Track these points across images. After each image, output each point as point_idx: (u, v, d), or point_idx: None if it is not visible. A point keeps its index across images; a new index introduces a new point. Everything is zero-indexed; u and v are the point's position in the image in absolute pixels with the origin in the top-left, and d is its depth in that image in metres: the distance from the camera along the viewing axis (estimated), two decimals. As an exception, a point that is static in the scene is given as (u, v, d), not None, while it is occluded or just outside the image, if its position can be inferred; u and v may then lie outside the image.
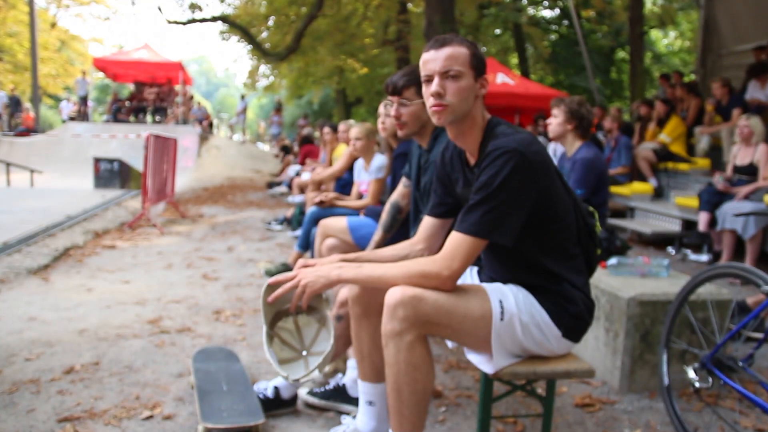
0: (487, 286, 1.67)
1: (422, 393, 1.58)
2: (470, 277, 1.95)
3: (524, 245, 1.63)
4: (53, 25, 28.91)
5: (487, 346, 1.62)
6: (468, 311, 1.58)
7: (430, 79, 1.63)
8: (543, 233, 1.64)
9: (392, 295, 1.54)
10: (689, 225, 5.70)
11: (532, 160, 1.54)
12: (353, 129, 4.16)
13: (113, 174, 9.39)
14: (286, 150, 13.90)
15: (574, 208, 1.71)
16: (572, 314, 1.67)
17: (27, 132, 17.08)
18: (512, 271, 1.71)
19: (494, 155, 1.54)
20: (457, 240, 1.57)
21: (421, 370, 1.56)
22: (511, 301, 1.62)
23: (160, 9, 15.38)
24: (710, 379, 2.09)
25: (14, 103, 19.01)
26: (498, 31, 20.68)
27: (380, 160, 3.98)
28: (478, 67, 1.64)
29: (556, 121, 3.30)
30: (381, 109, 3.04)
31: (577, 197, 1.78)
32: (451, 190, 1.83)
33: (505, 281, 1.72)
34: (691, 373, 2.13)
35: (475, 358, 1.70)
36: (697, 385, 2.10)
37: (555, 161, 2.01)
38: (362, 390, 1.94)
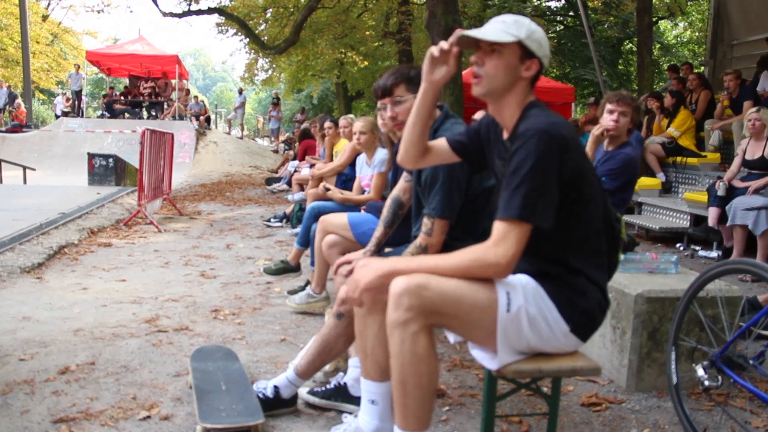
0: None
1: (427, 386, 1.56)
2: None
3: (550, 232, 1.59)
4: (45, 17, 28.67)
5: (492, 340, 1.58)
6: (476, 301, 1.55)
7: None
8: (570, 219, 1.61)
9: (397, 284, 1.52)
10: (698, 220, 5.61)
11: (561, 141, 1.54)
12: (357, 123, 4.12)
13: (108, 170, 9.29)
14: (288, 145, 13.84)
15: (602, 200, 1.69)
16: (582, 310, 1.62)
17: (19, 128, 16.92)
18: (530, 258, 1.66)
19: (526, 136, 1.54)
20: (504, 227, 1.53)
21: (425, 361, 1.54)
22: (519, 292, 1.59)
23: (154, 1, 15.15)
24: (720, 378, 2.05)
25: (11, 99, 18.89)
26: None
27: (383, 153, 3.93)
28: (527, 48, 1.63)
29: (624, 119, 3.18)
30: (379, 104, 3.00)
31: (605, 193, 1.75)
32: (478, 147, 1.87)
33: (517, 270, 1.66)
34: (701, 372, 2.09)
35: (479, 354, 1.67)
36: (706, 383, 2.06)
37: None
38: (365, 388, 1.90)
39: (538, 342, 1.61)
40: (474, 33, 1.63)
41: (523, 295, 1.59)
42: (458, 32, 1.65)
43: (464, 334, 1.64)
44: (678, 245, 5.54)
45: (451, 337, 1.81)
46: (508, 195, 1.54)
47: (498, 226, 1.54)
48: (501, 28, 1.63)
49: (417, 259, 1.66)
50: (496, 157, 1.78)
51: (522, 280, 1.63)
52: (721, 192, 4.90)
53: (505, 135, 1.72)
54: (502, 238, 1.53)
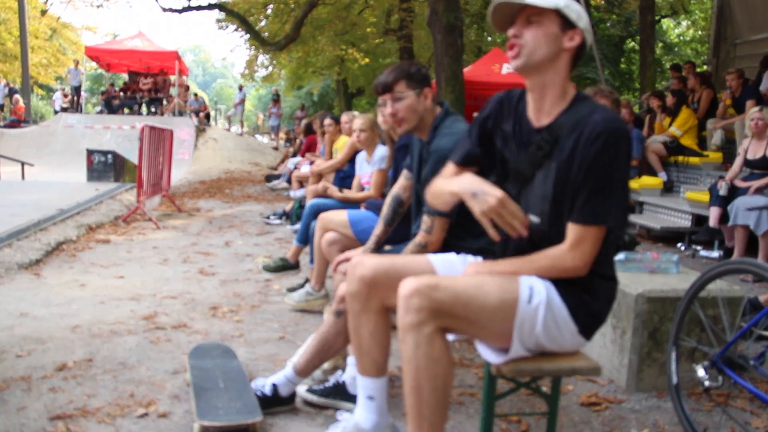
0: None
1: (443, 390, 1.51)
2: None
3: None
4: (44, 12, 28.50)
5: (502, 338, 1.56)
6: (486, 299, 1.52)
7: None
8: None
9: (406, 286, 1.50)
10: (700, 220, 5.59)
11: (628, 140, 1.53)
12: (356, 120, 4.09)
13: (107, 166, 9.27)
14: (289, 141, 13.83)
15: None
16: (592, 312, 1.61)
17: (18, 123, 16.87)
18: None
19: (598, 133, 1.48)
20: (582, 231, 1.52)
21: (441, 364, 1.49)
22: (542, 289, 1.57)
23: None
24: (720, 378, 2.04)
25: (10, 94, 18.84)
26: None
27: (383, 150, 3.91)
28: (567, 17, 1.56)
29: None
30: (380, 100, 2.98)
31: None
32: (491, 151, 1.73)
33: None
34: (701, 372, 2.08)
35: (485, 350, 1.65)
36: (706, 384, 2.05)
37: None
38: (362, 385, 1.89)
39: (546, 340, 1.59)
40: None
41: (546, 292, 1.57)
42: (498, 1, 1.56)
43: (472, 333, 1.61)
44: (679, 245, 5.52)
45: (451, 336, 1.80)
46: (584, 198, 1.50)
47: (575, 230, 1.52)
48: None
49: (500, 265, 1.62)
50: (516, 146, 1.66)
51: (537, 278, 1.61)
52: (722, 192, 4.88)
53: (540, 121, 1.62)
54: (580, 242, 1.52)
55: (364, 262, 1.81)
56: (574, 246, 1.52)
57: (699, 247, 5.24)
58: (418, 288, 1.48)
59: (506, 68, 10.54)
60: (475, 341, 1.69)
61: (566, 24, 1.56)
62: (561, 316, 1.58)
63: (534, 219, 1.60)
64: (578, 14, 1.57)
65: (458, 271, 1.87)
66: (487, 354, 1.64)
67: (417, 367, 1.49)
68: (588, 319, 1.61)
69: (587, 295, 1.60)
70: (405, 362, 1.51)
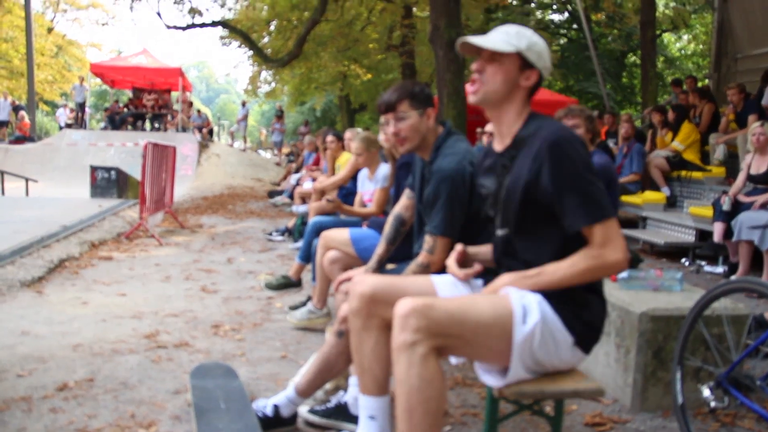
0: (511, 290, 1.63)
1: (435, 413, 1.51)
2: (478, 290, 1.88)
3: (558, 245, 1.62)
4: (50, 29, 28.92)
5: (501, 356, 1.57)
6: (480, 318, 1.54)
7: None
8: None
9: (403, 305, 1.51)
10: (704, 236, 5.55)
11: (577, 140, 1.61)
12: (353, 144, 4.10)
13: (110, 183, 9.30)
14: (292, 157, 13.86)
15: None
16: (585, 321, 1.63)
17: (23, 140, 17.00)
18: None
19: (549, 145, 1.57)
20: (602, 228, 1.56)
21: (434, 385, 1.50)
22: (533, 306, 1.58)
23: (159, 14, 15.30)
24: (726, 398, 2.01)
25: (16, 111, 18.97)
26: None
27: (386, 168, 3.91)
28: (526, 59, 1.67)
29: (578, 131, 3.22)
30: (382, 119, 2.99)
31: None
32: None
33: None
34: (706, 392, 2.05)
35: (484, 374, 1.65)
36: (712, 404, 2.02)
37: None
38: (363, 404, 1.87)
39: (544, 356, 1.59)
40: (475, 40, 1.67)
41: (538, 308, 1.58)
42: (461, 39, 1.69)
43: (469, 353, 1.62)
44: (683, 260, 5.49)
45: (453, 359, 1.79)
46: (581, 200, 1.55)
47: (597, 230, 1.55)
48: (503, 38, 1.67)
49: (544, 276, 1.61)
50: (486, 175, 1.79)
51: (530, 293, 1.62)
52: (726, 207, 4.86)
53: (502, 144, 1.74)
54: (607, 238, 1.55)
55: (365, 279, 1.84)
56: (603, 243, 1.55)
57: (703, 263, 5.21)
58: (415, 307, 1.50)
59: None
60: (474, 364, 1.69)
61: (526, 65, 1.67)
62: (556, 328, 1.60)
63: (506, 232, 1.70)
64: (539, 55, 1.68)
65: (462, 292, 1.88)
66: (487, 378, 1.63)
67: (410, 388, 1.49)
68: (582, 329, 1.63)
69: (579, 308, 1.62)
70: (398, 383, 1.51)
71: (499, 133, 1.75)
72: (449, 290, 1.89)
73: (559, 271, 1.59)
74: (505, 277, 1.69)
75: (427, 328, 1.49)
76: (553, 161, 1.56)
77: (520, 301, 1.58)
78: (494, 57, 1.67)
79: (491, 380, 1.62)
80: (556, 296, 1.61)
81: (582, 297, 1.63)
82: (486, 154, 1.83)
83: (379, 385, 1.84)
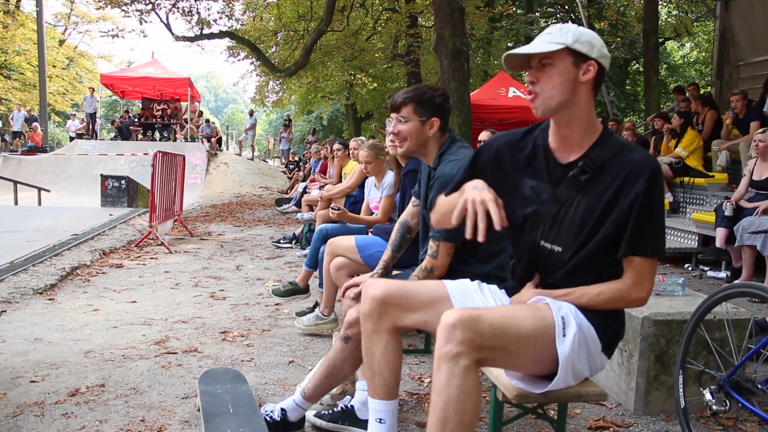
0: (549, 301, 1.63)
1: (468, 426, 1.49)
2: (491, 296, 1.89)
3: (609, 259, 1.62)
4: (62, 42, 29.31)
5: (539, 366, 1.59)
6: (521, 329, 1.54)
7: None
8: (615, 245, 1.63)
9: (450, 316, 1.49)
10: (707, 241, 5.58)
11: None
12: (360, 152, 4.14)
13: (121, 192, 9.41)
14: (296, 164, 13.93)
15: None
16: (612, 328, 1.67)
17: (35, 150, 17.21)
18: (573, 285, 1.67)
19: (646, 172, 1.55)
20: (647, 264, 1.59)
21: (472, 398, 1.47)
22: (570, 317, 1.60)
23: (168, 26, 15.45)
24: (728, 402, 2.02)
25: (29, 122, 19.19)
26: (510, 45, 20.79)
27: (392, 176, 3.96)
28: (578, 52, 1.56)
29: None
30: (388, 126, 3.04)
31: None
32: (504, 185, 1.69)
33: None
34: (708, 396, 2.06)
35: (514, 379, 1.66)
36: (714, 408, 2.03)
37: None
38: (372, 407, 1.89)
39: (582, 363, 1.61)
40: (520, 50, 1.59)
41: (575, 319, 1.60)
42: (506, 54, 1.61)
43: (508, 364, 1.62)
44: (686, 265, 5.49)
45: None
46: (654, 231, 1.57)
47: (640, 264, 1.58)
48: (546, 39, 1.58)
49: (570, 297, 1.63)
50: (535, 179, 1.68)
51: (565, 303, 1.64)
52: (728, 213, 4.87)
53: (568, 156, 1.64)
54: (644, 274, 1.59)
55: (376, 282, 1.85)
56: (640, 279, 1.59)
57: (706, 268, 5.20)
58: (462, 319, 1.48)
59: (512, 91, 10.61)
60: (507, 374, 1.69)
61: (579, 58, 1.56)
62: (590, 336, 1.62)
63: (556, 249, 1.65)
64: (590, 44, 1.56)
65: (474, 298, 1.88)
66: (518, 383, 1.64)
67: (448, 398, 1.46)
68: (610, 336, 1.67)
69: (606, 316, 1.65)
70: (436, 392, 1.49)
71: (566, 143, 1.64)
72: (463, 296, 1.88)
73: (585, 296, 1.62)
74: (532, 292, 1.70)
75: (471, 341, 1.47)
76: (648, 188, 1.54)
77: (559, 313, 1.59)
78: (544, 62, 1.57)
79: (527, 387, 1.63)
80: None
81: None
82: (533, 152, 1.70)
83: (388, 388, 1.86)
